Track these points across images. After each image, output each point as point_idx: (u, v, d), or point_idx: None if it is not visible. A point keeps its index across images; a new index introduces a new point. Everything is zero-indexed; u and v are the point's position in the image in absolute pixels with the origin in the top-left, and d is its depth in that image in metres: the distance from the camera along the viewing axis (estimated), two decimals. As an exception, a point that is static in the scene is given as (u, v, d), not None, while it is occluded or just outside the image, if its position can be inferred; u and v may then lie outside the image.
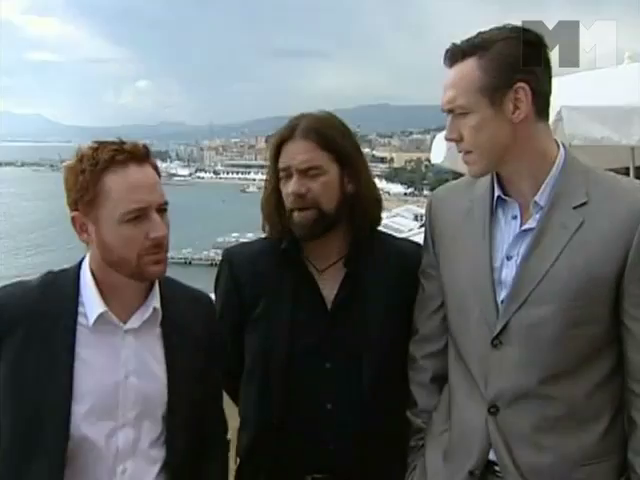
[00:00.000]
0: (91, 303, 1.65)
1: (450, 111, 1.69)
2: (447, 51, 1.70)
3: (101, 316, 1.64)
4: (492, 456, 1.71)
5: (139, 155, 1.61)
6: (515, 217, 1.74)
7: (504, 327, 1.68)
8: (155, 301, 1.71)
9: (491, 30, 1.68)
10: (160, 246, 1.62)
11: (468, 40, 1.68)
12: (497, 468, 1.72)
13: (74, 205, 1.63)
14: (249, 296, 2.02)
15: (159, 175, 1.69)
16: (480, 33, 1.68)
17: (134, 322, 1.68)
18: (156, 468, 1.71)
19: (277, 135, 2.00)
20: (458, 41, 1.69)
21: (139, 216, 1.59)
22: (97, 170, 1.57)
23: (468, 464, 1.72)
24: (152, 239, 1.60)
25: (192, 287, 1.92)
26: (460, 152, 1.74)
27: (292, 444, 1.95)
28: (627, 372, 1.66)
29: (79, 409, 1.60)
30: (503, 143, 1.67)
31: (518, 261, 1.70)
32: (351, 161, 1.99)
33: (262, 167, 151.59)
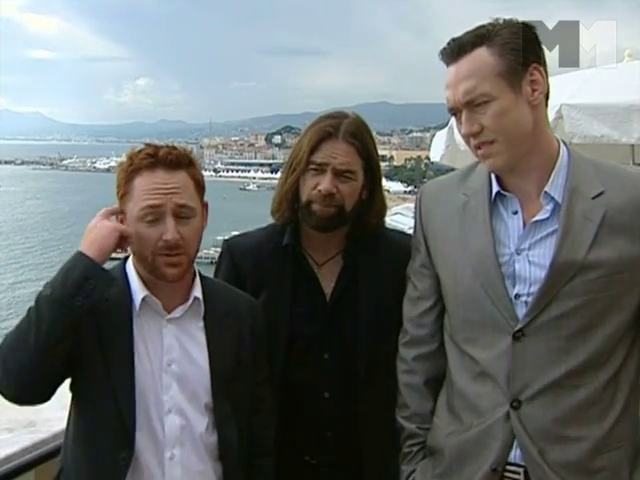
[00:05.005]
0: (136, 291, 1.76)
1: (467, 103, 1.63)
2: (447, 48, 1.67)
3: (144, 302, 1.74)
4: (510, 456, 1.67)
5: (169, 161, 1.71)
6: (516, 212, 1.71)
7: (531, 321, 1.64)
8: (196, 291, 1.80)
9: (485, 24, 1.66)
10: (173, 248, 1.68)
11: (467, 34, 1.65)
12: (507, 474, 1.68)
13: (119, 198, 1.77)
14: (251, 286, 2.06)
15: (198, 183, 1.78)
16: (475, 27, 1.66)
17: (176, 312, 1.77)
18: (210, 459, 1.74)
19: (318, 130, 2.02)
20: (453, 38, 1.67)
21: (156, 218, 1.68)
22: (130, 170, 1.72)
23: (490, 460, 1.67)
24: (164, 241, 1.68)
25: (235, 288, 1.98)
26: (477, 147, 1.67)
27: (291, 432, 2.02)
28: None
29: None
30: (526, 128, 1.64)
31: (531, 255, 1.67)
32: (374, 171, 2.07)
33: (262, 165, 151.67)
